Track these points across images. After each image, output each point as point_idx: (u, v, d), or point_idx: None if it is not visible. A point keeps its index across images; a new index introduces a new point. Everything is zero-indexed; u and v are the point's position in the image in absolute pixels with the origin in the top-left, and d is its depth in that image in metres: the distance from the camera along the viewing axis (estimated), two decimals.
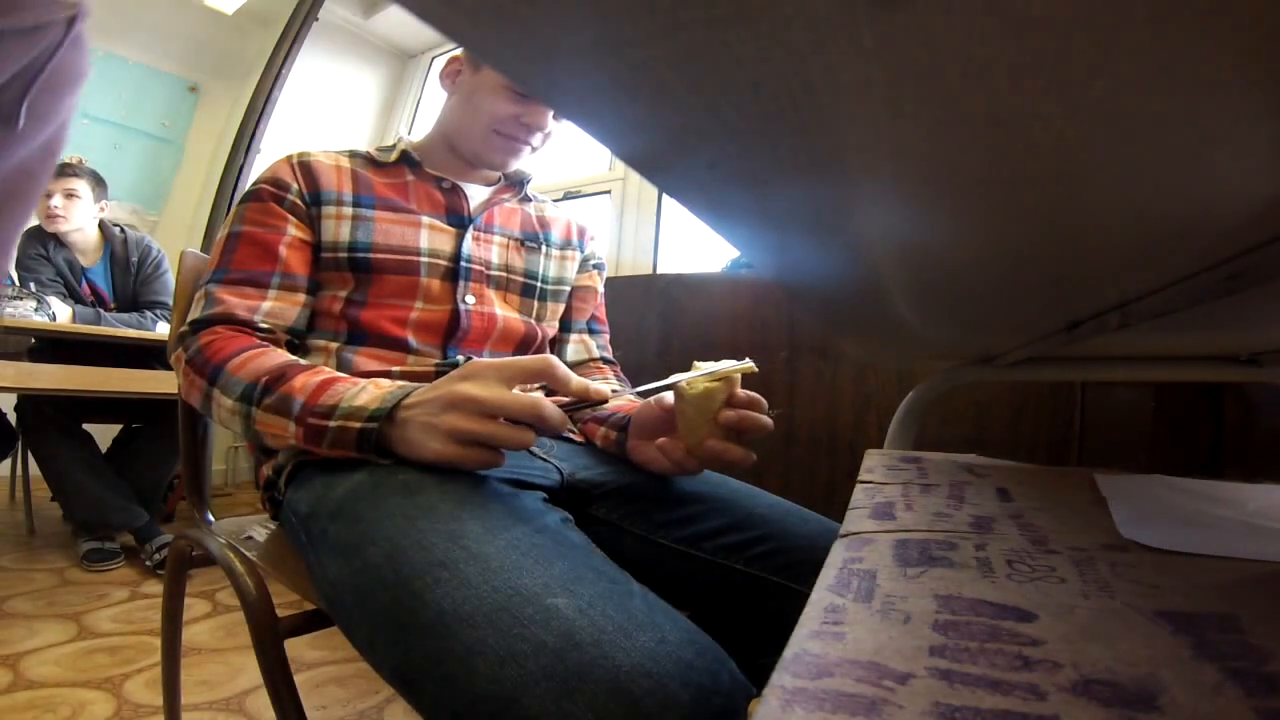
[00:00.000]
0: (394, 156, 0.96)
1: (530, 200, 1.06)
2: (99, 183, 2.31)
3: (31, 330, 2.05)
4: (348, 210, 0.88)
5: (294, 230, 0.86)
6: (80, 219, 2.25)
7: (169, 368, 0.87)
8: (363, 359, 0.84)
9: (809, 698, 0.21)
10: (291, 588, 0.77)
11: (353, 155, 0.96)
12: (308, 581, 0.72)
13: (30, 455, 2.19)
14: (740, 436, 0.72)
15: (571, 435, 0.92)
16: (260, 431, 0.72)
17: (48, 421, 2.07)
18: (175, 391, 0.84)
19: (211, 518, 0.97)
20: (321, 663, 1.44)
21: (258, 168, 3.25)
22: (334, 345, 0.85)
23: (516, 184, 1.04)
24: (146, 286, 2.37)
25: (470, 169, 0.99)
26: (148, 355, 2.18)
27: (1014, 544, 0.37)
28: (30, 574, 1.96)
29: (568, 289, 1.04)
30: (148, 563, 2.02)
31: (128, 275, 2.33)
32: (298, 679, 0.76)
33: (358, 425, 0.64)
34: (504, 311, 0.93)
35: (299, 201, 0.88)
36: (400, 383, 0.69)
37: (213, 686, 1.35)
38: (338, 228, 0.87)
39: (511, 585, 0.48)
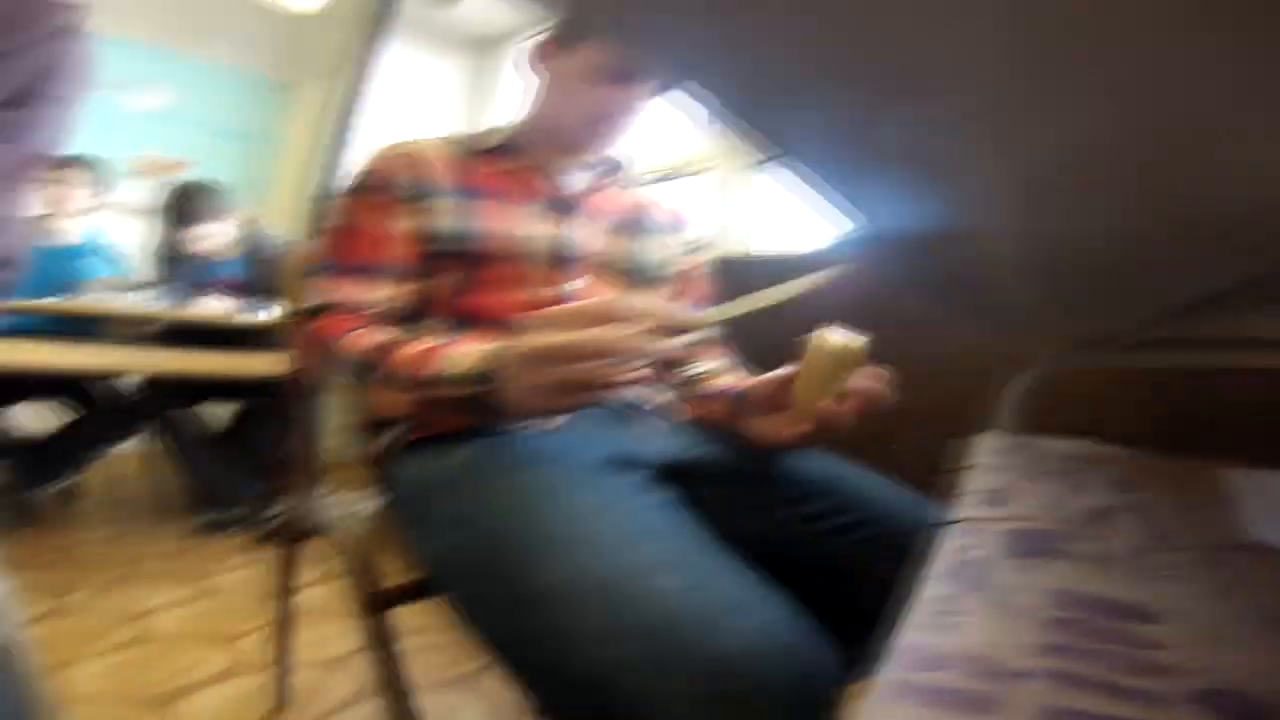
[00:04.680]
0: (492, 144, 0.97)
1: (629, 185, 1.06)
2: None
3: (148, 318, 2.21)
4: (451, 200, 0.89)
5: (399, 220, 0.88)
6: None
7: (282, 350, 0.91)
8: (471, 341, 0.86)
9: (918, 691, 0.20)
10: (397, 558, 0.80)
11: (451, 144, 0.96)
12: (413, 553, 0.75)
13: (156, 432, 2.36)
14: (850, 407, 0.71)
15: (679, 412, 0.92)
16: (374, 404, 0.75)
17: (170, 401, 2.23)
18: (286, 373, 0.89)
19: (322, 491, 1.02)
20: (422, 629, 1.51)
21: (353, 160, 3.35)
22: (443, 330, 0.88)
23: (614, 168, 1.04)
24: (269, 277, 2.48)
25: (568, 154, 0.98)
26: (261, 338, 2.31)
27: (1134, 538, 0.35)
28: (155, 539, 2.12)
29: (672, 272, 1.03)
30: (261, 531, 2.15)
31: (261, 268, 2.46)
32: (403, 642, 0.80)
33: (469, 389, 0.66)
34: (609, 295, 0.93)
35: (403, 192, 0.89)
36: (498, 344, 0.69)
37: (321, 646, 1.44)
38: (442, 221, 0.88)
39: (616, 563, 0.49)
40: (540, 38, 1.00)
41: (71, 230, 2.31)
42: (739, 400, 0.85)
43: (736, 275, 1.99)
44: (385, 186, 0.89)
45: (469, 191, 0.91)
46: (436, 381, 0.68)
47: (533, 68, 1.00)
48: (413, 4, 3.69)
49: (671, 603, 0.46)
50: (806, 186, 0.34)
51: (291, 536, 1.07)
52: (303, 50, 3.85)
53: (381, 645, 0.78)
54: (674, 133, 2.78)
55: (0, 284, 0.60)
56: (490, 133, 0.99)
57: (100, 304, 2.11)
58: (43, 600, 1.62)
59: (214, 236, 2.34)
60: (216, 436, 2.32)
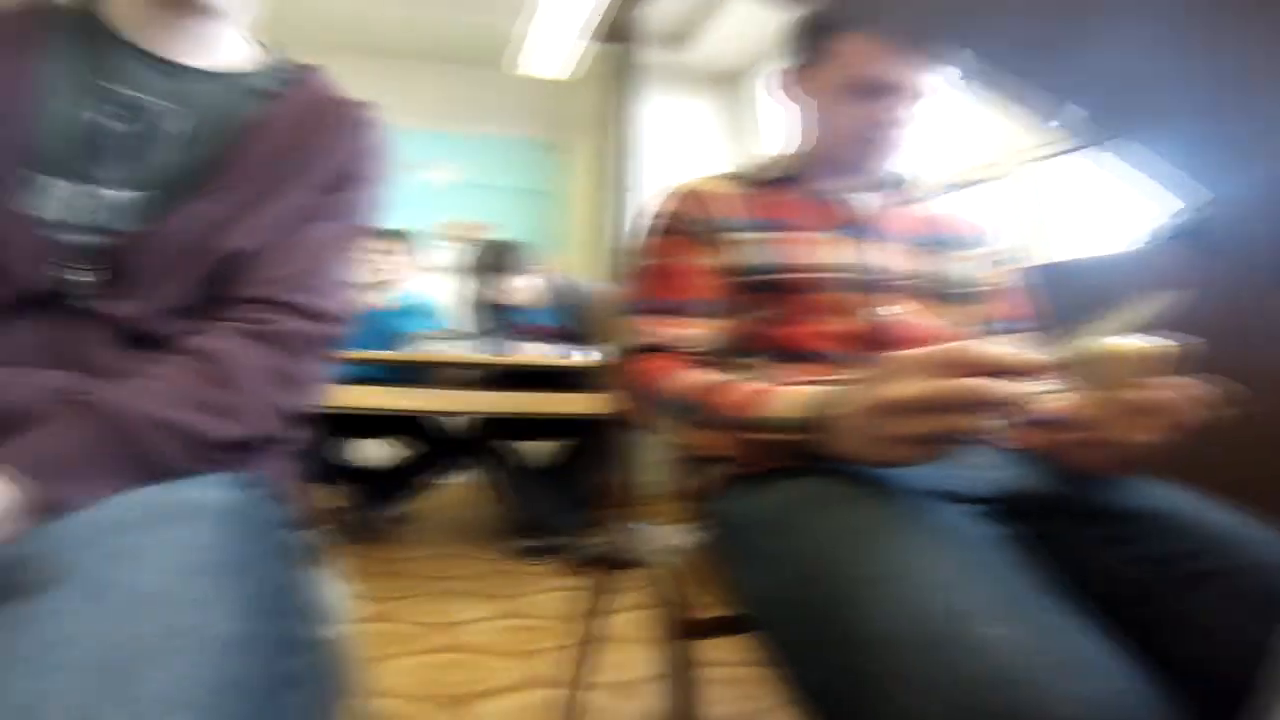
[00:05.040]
0: (775, 175, 0.97)
1: (919, 199, 1.00)
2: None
3: (472, 364, 2.48)
4: (745, 235, 0.90)
5: (701, 258, 0.90)
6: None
7: (597, 390, 0.96)
8: (787, 372, 0.85)
9: None
10: (709, 593, 0.81)
11: (735, 179, 0.97)
12: (725, 589, 0.75)
13: (482, 465, 2.64)
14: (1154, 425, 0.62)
15: (1006, 442, 0.84)
16: (698, 446, 0.76)
17: (493, 439, 2.51)
18: (602, 411, 0.94)
19: (640, 524, 1.06)
20: (719, 662, 1.51)
21: (637, 206, 3.54)
22: (759, 363, 0.88)
23: (899, 184, 0.99)
24: (589, 324, 2.66)
25: (849, 176, 0.96)
26: (576, 379, 2.47)
27: None
28: (475, 561, 2.37)
29: (983, 289, 0.96)
30: (575, 560, 2.30)
31: (570, 314, 2.67)
32: (695, 674, 0.81)
33: (791, 437, 0.64)
34: (924, 320, 0.89)
35: (700, 230, 0.91)
36: (822, 386, 0.67)
37: (616, 670, 1.49)
38: (739, 252, 0.89)
39: (945, 609, 0.45)
40: (784, 67, 1.00)
41: (394, 292, 2.69)
42: (1064, 425, 0.75)
43: (1054, 284, 1.79)
44: (682, 226, 0.92)
45: (765, 224, 0.91)
46: (762, 426, 0.67)
47: (784, 96, 1.00)
48: (655, 54, 3.89)
49: (1002, 656, 0.41)
50: (1125, 173, 0.28)
51: (606, 565, 1.13)
52: (567, 113, 4.22)
53: (681, 674, 0.79)
54: (957, 140, 2.60)
55: (334, 337, 0.67)
56: (771, 164, 0.99)
57: (429, 354, 2.41)
58: (370, 605, 1.88)
59: (522, 288, 2.58)
60: (538, 471, 2.55)
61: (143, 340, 0.61)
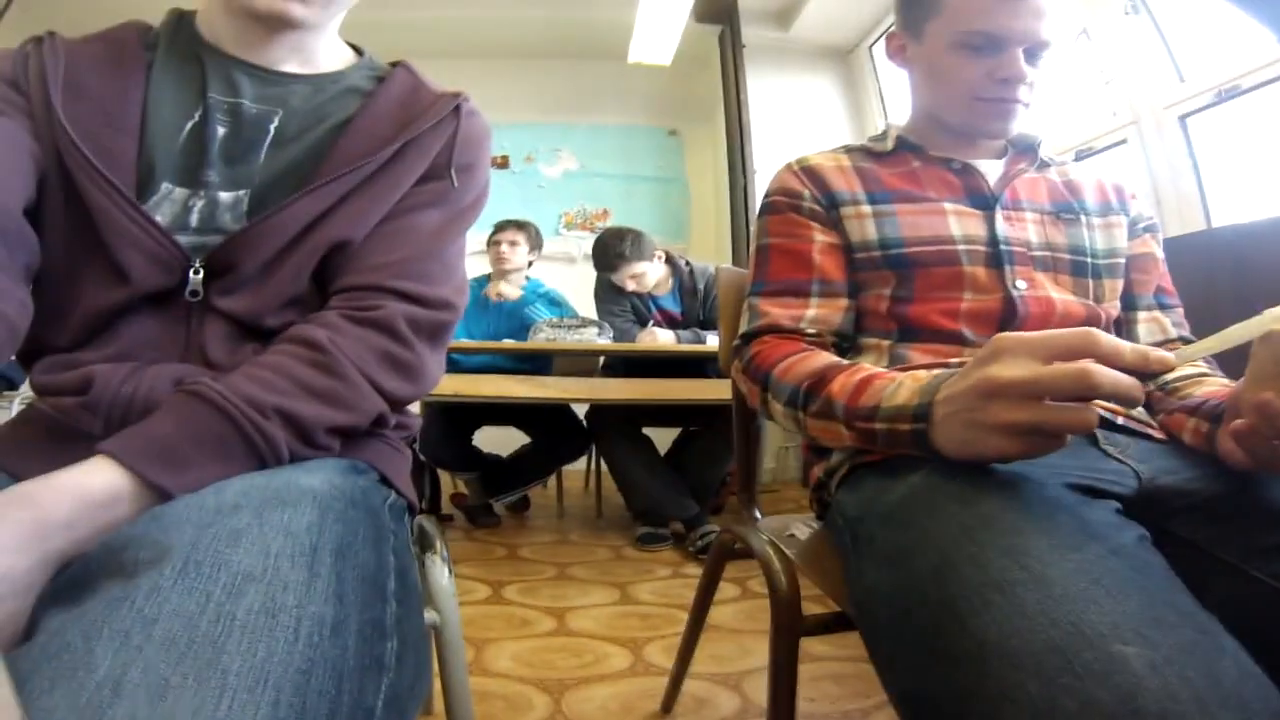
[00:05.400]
0: (890, 145, 0.91)
1: (1048, 166, 0.92)
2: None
3: (594, 351, 2.52)
4: (866, 208, 0.86)
5: (820, 235, 0.87)
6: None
7: (721, 376, 0.94)
8: (916, 354, 0.81)
9: None
10: (821, 588, 0.77)
11: (849, 151, 0.93)
12: (839, 584, 0.71)
13: (600, 454, 2.69)
14: None
15: (1151, 431, 0.76)
16: (814, 435, 0.72)
17: (614, 426, 2.51)
18: (725, 398, 0.92)
19: (758, 514, 1.03)
20: (824, 657, 1.46)
21: (758, 186, 3.51)
22: (885, 344, 0.84)
23: (1027, 150, 0.91)
24: (715, 308, 2.70)
25: (970, 143, 0.89)
26: (702, 366, 2.49)
27: None
28: (592, 548, 2.41)
29: (1122, 261, 0.88)
30: (691, 548, 2.30)
31: (695, 300, 2.69)
32: (799, 668, 0.78)
33: (907, 427, 0.59)
34: (1059, 294, 0.82)
35: (815, 206, 0.88)
36: (936, 371, 0.62)
37: (719, 661, 1.47)
38: (862, 227, 0.85)
39: (1073, 620, 0.39)
40: (891, 30, 0.94)
41: (516, 282, 2.76)
42: (1216, 413, 0.67)
43: (1200, 254, 1.61)
44: (794, 204, 0.88)
45: (885, 196, 0.86)
46: (873, 416, 0.63)
47: (897, 63, 0.94)
48: (757, 34, 3.80)
49: (1134, 679, 0.35)
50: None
51: (721, 555, 1.12)
52: (682, 97, 4.20)
53: (784, 669, 0.76)
54: (1073, 102, 2.39)
55: (444, 323, 0.68)
56: (883, 135, 0.94)
57: (551, 342, 2.45)
58: (484, 589, 1.94)
59: (645, 274, 2.58)
60: (658, 460, 2.53)
61: (257, 333, 0.64)
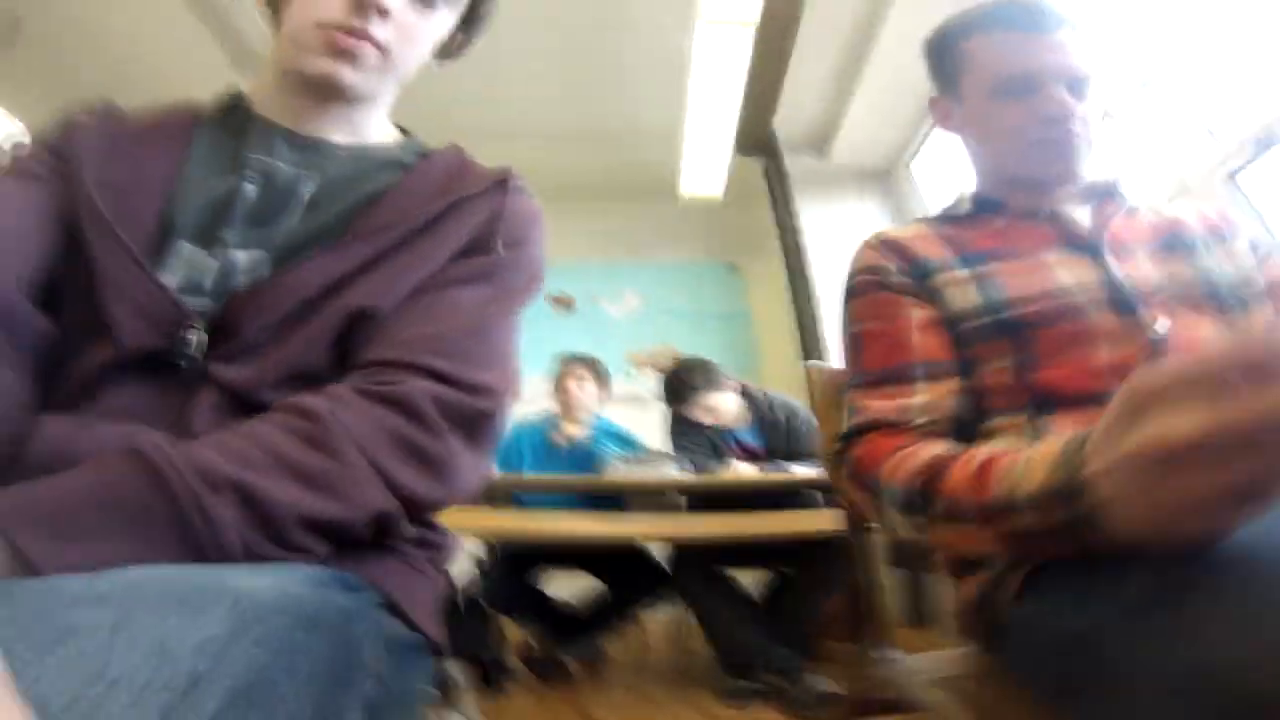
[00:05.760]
0: (967, 206, 0.86)
1: (1137, 207, 0.84)
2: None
3: (672, 486, 2.34)
4: (961, 273, 0.78)
5: (915, 311, 0.78)
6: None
7: (813, 508, 0.82)
8: (1061, 424, 0.69)
9: None
10: None
11: (927, 221, 0.88)
12: None
13: (684, 599, 2.41)
14: None
15: None
16: (949, 544, 0.60)
17: (698, 568, 2.29)
18: (823, 529, 0.79)
19: (885, 654, 0.87)
20: None
21: (824, 314, 3.47)
22: (1020, 420, 0.72)
23: (1112, 190, 0.85)
24: (799, 441, 2.51)
25: (1046, 193, 0.83)
26: (791, 501, 2.28)
27: None
28: (677, 705, 2.14)
29: (1259, 287, 0.77)
30: (795, 705, 1.99)
31: (778, 433, 2.53)
32: None
33: (1057, 516, 0.47)
34: (1215, 330, 0.71)
35: (905, 279, 0.80)
36: (1066, 435, 0.49)
37: None
38: (962, 293, 0.77)
39: None
40: (932, 98, 0.92)
41: (586, 422, 2.67)
42: None
43: None
44: (881, 280, 0.81)
45: (978, 257, 0.78)
46: (1009, 509, 0.50)
47: (947, 129, 0.91)
48: (798, 164, 3.89)
49: None
50: None
51: (858, 712, 0.94)
52: (736, 230, 4.30)
53: None
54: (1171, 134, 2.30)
55: (485, 412, 0.56)
56: (958, 201, 0.88)
57: (627, 476, 2.31)
58: None
59: (719, 406, 2.47)
60: (748, 603, 2.29)
61: (255, 408, 0.53)
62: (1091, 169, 0.82)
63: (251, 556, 0.41)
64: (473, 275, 0.63)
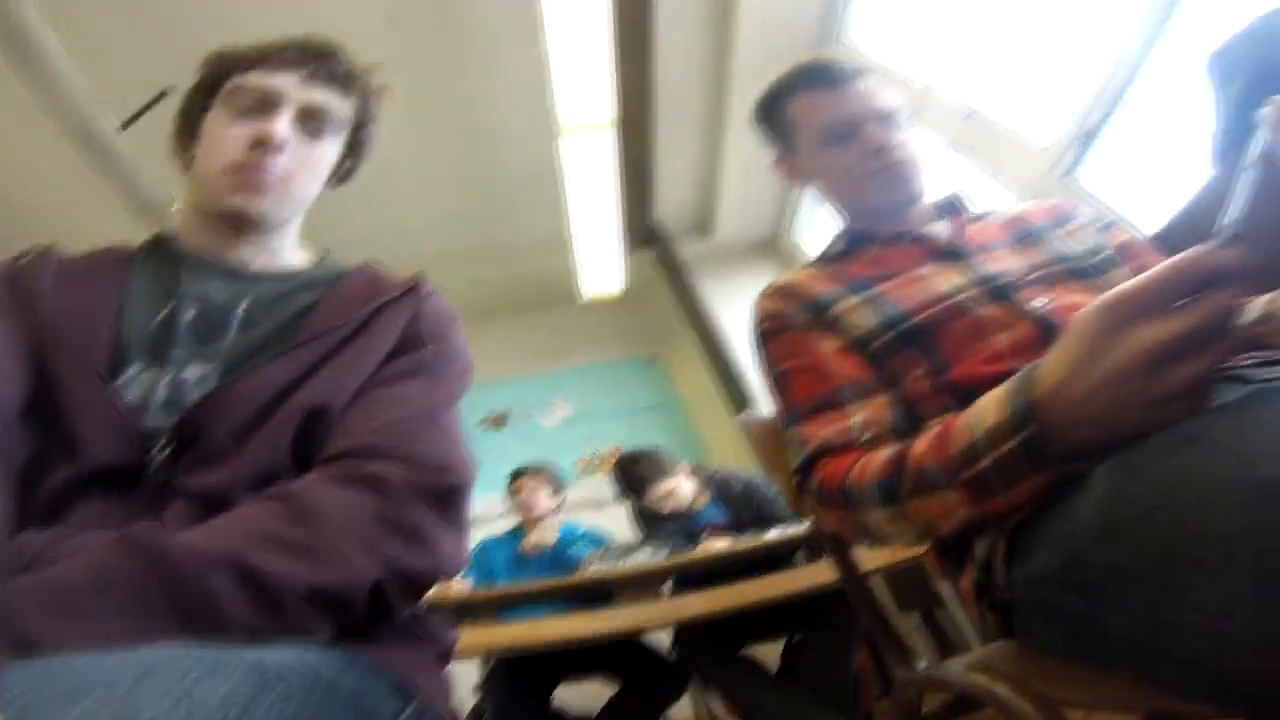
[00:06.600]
0: (841, 245, 0.97)
1: (984, 215, 0.98)
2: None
3: (655, 571, 2.24)
4: (854, 299, 0.86)
5: (825, 342, 0.85)
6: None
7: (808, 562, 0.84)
8: None
9: None
10: (1072, 699, 0.59)
11: (809, 265, 0.99)
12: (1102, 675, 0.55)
13: (704, 685, 2.29)
14: None
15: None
16: (928, 524, 0.64)
17: (705, 648, 2.17)
18: (822, 581, 0.77)
19: (940, 664, 0.83)
20: None
21: (751, 385, 3.53)
22: (949, 418, 0.78)
23: (956, 202, 0.99)
24: (767, 505, 2.49)
25: (901, 216, 0.95)
26: (777, 564, 2.23)
27: None
28: None
29: (1112, 255, 0.87)
30: None
31: (741, 503, 2.52)
32: None
33: (1014, 441, 0.53)
34: (1084, 297, 0.79)
35: (806, 316, 0.88)
36: (1024, 371, 0.56)
37: None
38: (860, 317, 0.85)
39: None
40: (772, 159, 1.06)
41: (550, 529, 2.62)
42: None
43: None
44: (785, 321, 0.89)
45: (862, 285, 0.87)
46: (973, 453, 0.56)
47: (796, 182, 1.04)
48: (689, 248, 4.08)
49: None
50: None
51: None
52: (646, 323, 4.40)
53: None
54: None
55: (448, 488, 0.61)
56: (832, 241, 1.00)
57: (609, 570, 2.23)
58: None
59: (675, 492, 2.46)
60: (770, 675, 2.17)
61: (224, 511, 0.55)
62: (932, 187, 0.95)
63: (255, 634, 0.41)
64: (409, 370, 0.69)
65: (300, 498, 0.51)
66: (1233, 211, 0.44)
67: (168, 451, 0.58)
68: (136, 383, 0.62)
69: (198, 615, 0.39)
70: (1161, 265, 0.45)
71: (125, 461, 0.57)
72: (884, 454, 0.68)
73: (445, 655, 0.64)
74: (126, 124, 2.55)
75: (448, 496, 0.60)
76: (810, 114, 0.95)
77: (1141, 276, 0.46)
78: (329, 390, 0.63)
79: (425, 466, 0.59)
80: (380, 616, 0.52)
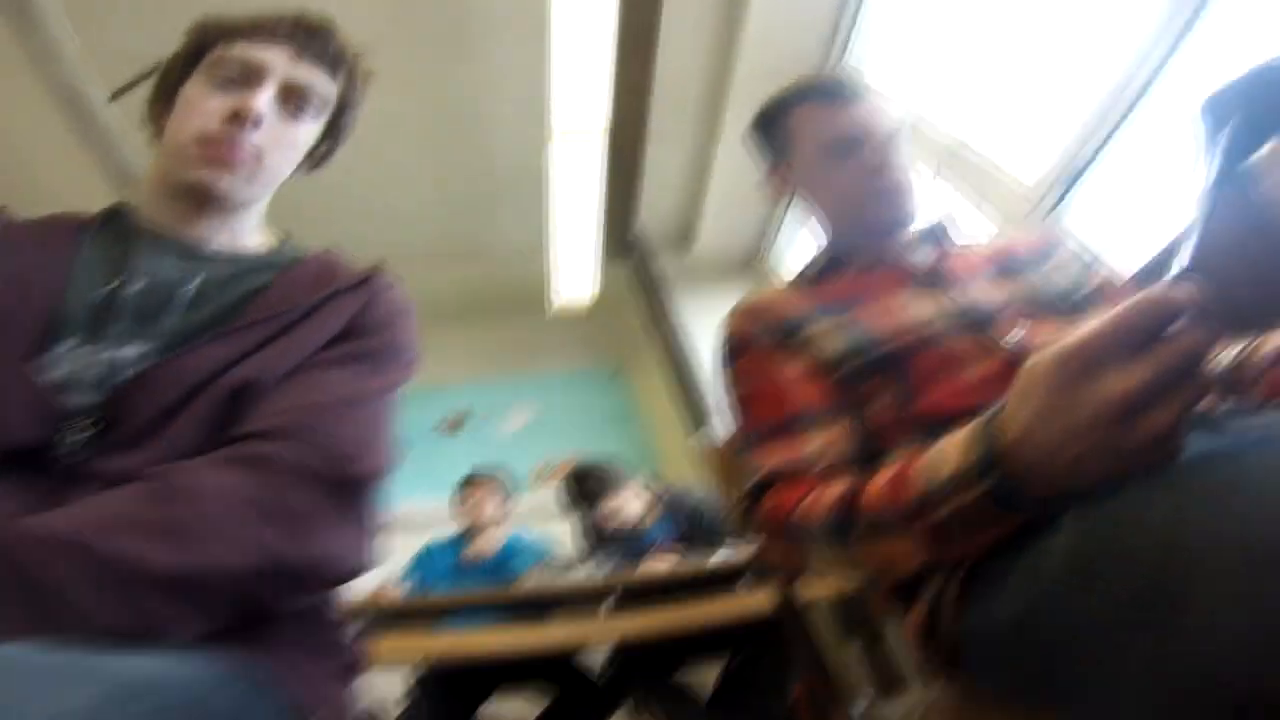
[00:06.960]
0: (821, 265, 0.95)
1: (969, 246, 0.96)
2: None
3: (597, 588, 2.13)
4: (825, 323, 0.84)
5: (789, 365, 0.83)
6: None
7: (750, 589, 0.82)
8: None
9: None
10: None
11: (784, 284, 0.98)
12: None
13: (639, 707, 2.20)
14: None
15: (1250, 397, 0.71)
16: (879, 568, 0.62)
17: (641, 677, 2.13)
18: (752, 608, 0.76)
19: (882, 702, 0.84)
20: None
21: (712, 406, 3.49)
22: (909, 453, 0.75)
23: (942, 230, 0.96)
24: (718, 527, 2.43)
25: (887, 238, 0.92)
26: (723, 586, 2.09)
27: None
28: None
29: (1093, 292, 0.86)
30: None
31: (691, 521, 2.47)
32: None
33: (978, 490, 0.50)
34: (1056, 334, 0.77)
35: (773, 337, 0.85)
36: (970, 425, 0.54)
37: None
38: (829, 341, 0.82)
39: None
40: (765, 172, 1.03)
41: (494, 538, 2.57)
42: None
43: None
44: (752, 342, 0.86)
45: (835, 309, 0.84)
46: (931, 500, 0.53)
47: (784, 194, 1.01)
48: (666, 262, 4.02)
49: None
50: None
51: None
52: (616, 334, 4.36)
53: None
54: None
55: (352, 481, 0.58)
56: (812, 261, 0.97)
57: (549, 584, 2.18)
58: None
59: (623, 509, 2.42)
60: (706, 702, 2.13)
61: None
62: (920, 214, 0.93)
63: (109, 623, 0.38)
64: (344, 356, 0.66)
65: (172, 478, 0.48)
66: (1186, 245, 0.41)
67: (89, 432, 0.55)
68: (67, 359, 0.58)
69: (43, 604, 0.36)
70: (1116, 309, 0.43)
71: (37, 441, 0.54)
72: (834, 491, 0.65)
73: (350, 669, 0.60)
74: (116, 95, 2.47)
75: (349, 487, 0.57)
76: (814, 126, 0.94)
77: (1096, 322, 0.44)
78: (262, 368, 0.61)
79: (329, 453, 0.56)
80: (255, 614, 0.48)
